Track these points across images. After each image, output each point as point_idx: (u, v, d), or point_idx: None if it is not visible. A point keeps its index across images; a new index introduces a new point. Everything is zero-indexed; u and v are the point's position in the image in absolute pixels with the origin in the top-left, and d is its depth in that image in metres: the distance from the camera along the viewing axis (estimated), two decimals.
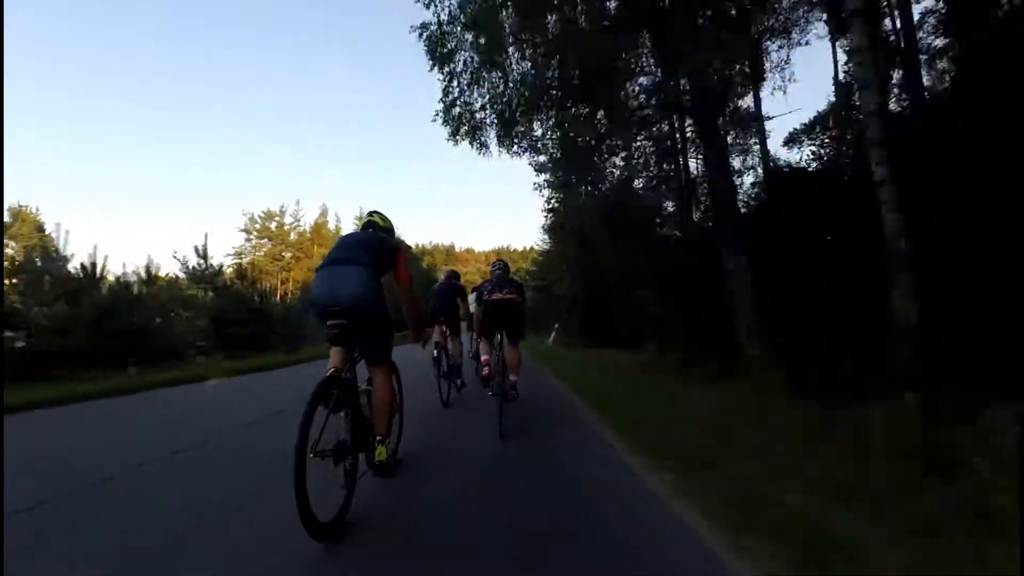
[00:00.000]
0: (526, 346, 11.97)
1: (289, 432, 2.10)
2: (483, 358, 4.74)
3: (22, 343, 10.32)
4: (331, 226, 38.90)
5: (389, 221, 3.31)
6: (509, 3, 6.95)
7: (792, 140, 10.12)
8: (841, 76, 9.05)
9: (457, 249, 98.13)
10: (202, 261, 17.68)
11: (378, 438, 2.74)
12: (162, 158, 65.39)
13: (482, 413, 4.70)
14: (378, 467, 2.78)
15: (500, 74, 7.58)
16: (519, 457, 3.58)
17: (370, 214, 3.29)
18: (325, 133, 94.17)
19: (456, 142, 8.10)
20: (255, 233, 36.85)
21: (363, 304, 2.60)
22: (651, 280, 10.63)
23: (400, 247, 3.11)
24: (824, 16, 9.00)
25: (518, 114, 7.72)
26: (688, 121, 9.57)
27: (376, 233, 3.10)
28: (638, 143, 10.54)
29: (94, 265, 13.67)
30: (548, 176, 11.31)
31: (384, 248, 2.93)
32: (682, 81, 7.38)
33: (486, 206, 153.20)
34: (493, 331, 4.58)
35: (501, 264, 5.13)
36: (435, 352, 5.60)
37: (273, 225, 37.40)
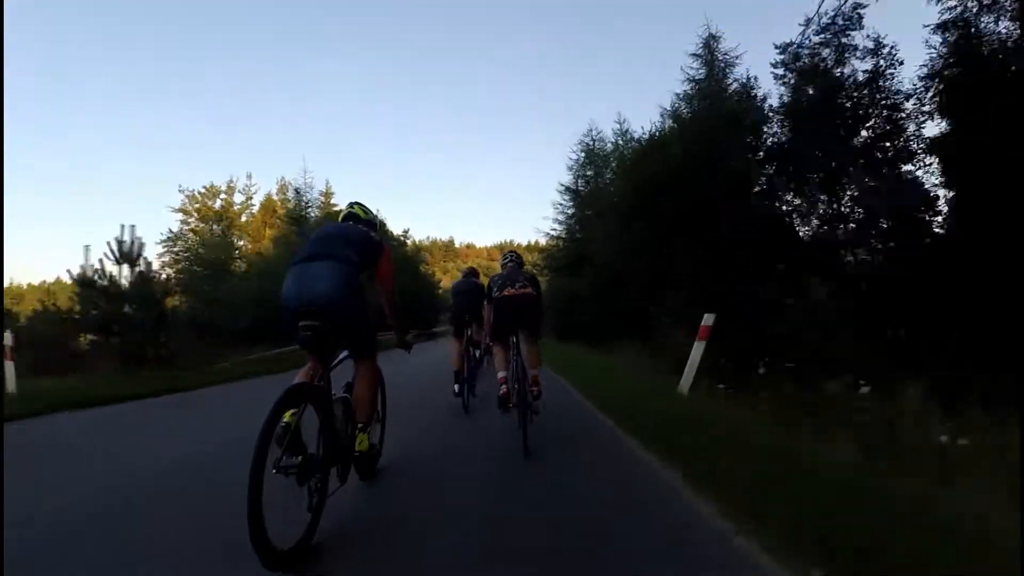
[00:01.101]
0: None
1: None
2: (500, 375, 3.96)
3: None
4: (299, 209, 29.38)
5: (372, 214, 3.07)
6: None
7: None
8: None
9: (457, 245, 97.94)
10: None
11: (359, 426, 2.57)
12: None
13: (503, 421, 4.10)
14: (357, 459, 2.57)
15: None
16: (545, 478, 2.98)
17: (351, 205, 3.03)
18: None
19: None
20: (194, 214, 28.67)
21: (341, 304, 2.33)
22: None
23: (384, 243, 2.82)
24: None
25: None
26: None
27: (357, 226, 2.82)
28: None
29: None
30: None
31: (366, 243, 2.67)
32: None
33: (487, 199, 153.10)
34: (509, 333, 3.96)
35: (513, 256, 4.55)
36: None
37: (219, 204, 29.79)
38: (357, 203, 3.03)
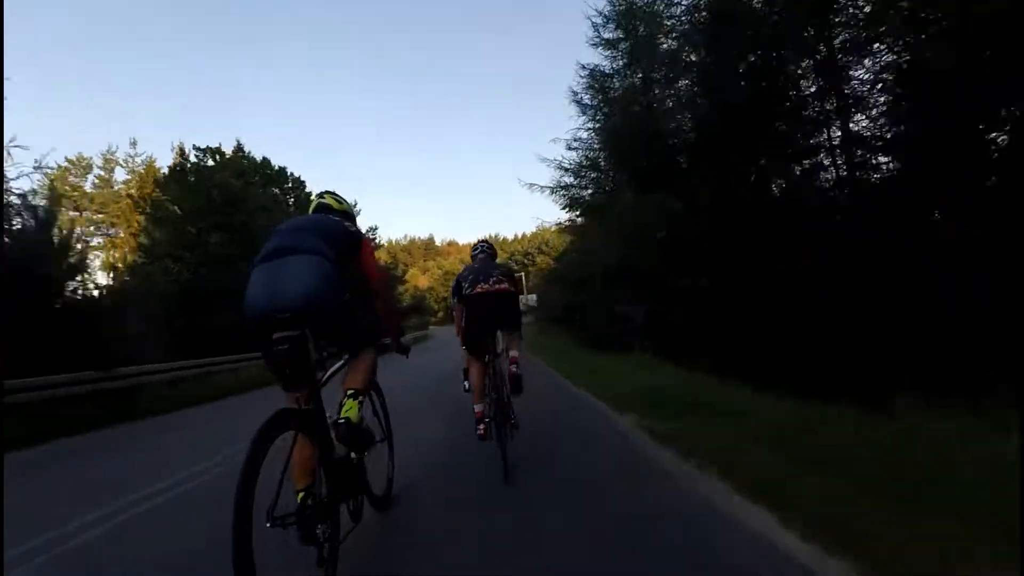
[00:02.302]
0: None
1: None
2: (476, 409, 3.35)
3: None
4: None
5: (347, 204, 2.59)
6: None
7: None
8: None
9: (437, 243, 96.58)
10: None
11: (349, 392, 2.13)
12: None
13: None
14: (346, 426, 2.04)
15: None
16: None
17: (321, 195, 2.55)
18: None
19: None
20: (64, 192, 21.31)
21: (326, 304, 1.90)
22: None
23: (364, 236, 2.38)
24: None
25: None
26: None
27: (330, 217, 2.36)
28: None
29: None
30: None
31: (342, 235, 2.22)
32: None
33: (467, 194, 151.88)
34: (485, 338, 3.36)
35: (485, 246, 3.85)
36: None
37: (89, 184, 23.38)
38: (329, 192, 2.58)
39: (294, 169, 33.03)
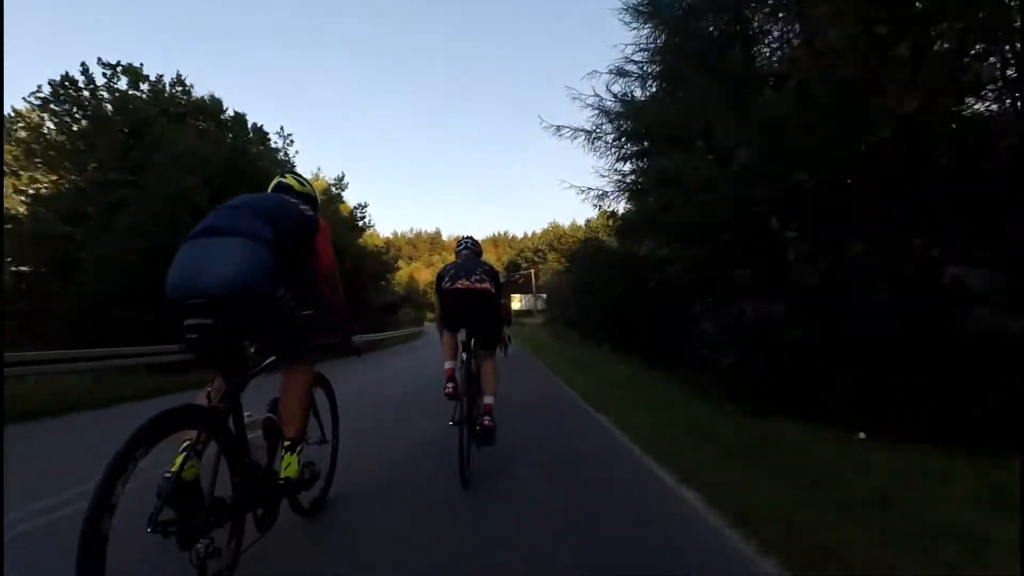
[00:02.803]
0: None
1: None
2: (447, 366, 3.47)
3: None
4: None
5: (310, 187, 2.46)
6: None
7: None
8: None
9: (444, 238, 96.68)
10: None
11: (286, 444, 2.02)
12: None
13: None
14: (283, 489, 1.99)
15: None
16: None
17: (282, 175, 2.41)
18: None
19: None
20: None
21: (247, 294, 1.72)
22: None
23: (321, 223, 2.18)
24: None
25: None
26: None
27: (283, 197, 2.17)
28: None
29: None
30: None
31: (295, 219, 2.05)
32: None
33: (477, 188, 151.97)
34: (457, 329, 3.43)
35: (469, 243, 3.82)
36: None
37: None
38: (291, 172, 2.47)
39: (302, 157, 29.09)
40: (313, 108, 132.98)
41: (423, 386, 7.60)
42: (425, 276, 72.89)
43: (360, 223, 26.52)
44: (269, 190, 2.36)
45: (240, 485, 1.74)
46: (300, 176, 2.45)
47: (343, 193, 26.64)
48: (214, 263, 1.71)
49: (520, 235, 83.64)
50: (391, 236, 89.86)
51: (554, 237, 70.00)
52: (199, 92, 17.12)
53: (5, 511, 2.30)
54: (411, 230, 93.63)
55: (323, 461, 2.56)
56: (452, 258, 3.78)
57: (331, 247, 2.19)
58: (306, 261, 2.08)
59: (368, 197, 37.46)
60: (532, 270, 57.87)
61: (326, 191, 24.69)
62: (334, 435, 2.73)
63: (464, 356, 3.21)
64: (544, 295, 46.49)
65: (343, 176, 26.65)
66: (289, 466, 1.99)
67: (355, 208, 26.73)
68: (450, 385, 3.38)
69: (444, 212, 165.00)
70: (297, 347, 2.08)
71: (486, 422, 3.18)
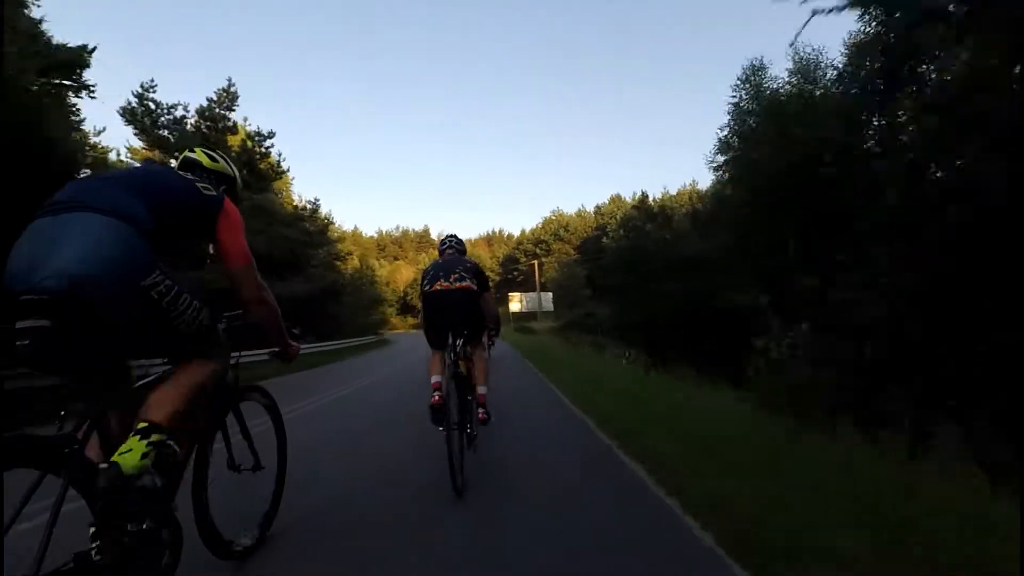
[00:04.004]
0: None
1: None
2: (433, 380, 3.25)
3: None
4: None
5: (225, 164, 2.00)
6: None
7: None
8: None
9: (433, 236, 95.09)
10: None
11: (141, 425, 1.40)
12: None
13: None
14: (109, 475, 1.30)
15: None
16: None
17: (192, 149, 1.96)
18: None
19: None
20: None
21: (103, 284, 1.29)
22: None
23: (227, 206, 1.71)
24: None
25: None
26: None
27: (177, 172, 1.74)
28: None
29: None
30: None
31: (183, 197, 1.61)
32: None
33: (467, 184, 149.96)
34: (444, 336, 3.19)
35: (453, 241, 3.70)
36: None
37: None
38: (206, 149, 2.00)
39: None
40: (285, 96, 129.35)
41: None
42: (408, 274, 71.42)
43: (264, 165, 19.06)
44: (177, 167, 1.91)
45: (111, 541, 1.27)
46: (214, 151, 2.01)
47: (265, 151, 19.33)
48: (57, 247, 1.29)
49: (517, 232, 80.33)
50: (375, 235, 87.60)
51: (559, 226, 64.27)
52: None
53: None
54: (397, 228, 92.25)
55: (260, 493, 2.23)
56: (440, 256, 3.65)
57: (242, 237, 1.72)
58: (213, 251, 1.69)
59: (353, 194, 32.05)
60: (535, 263, 51.42)
61: (242, 143, 18.79)
62: (280, 458, 2.36)
63: (452, 356, 3.06)
64: (551, 293, 41.60)
65: (272, 132, 19.90)
66: (129, 452, 1.34)
67: (252, 137, 18.76)
68: (437, 395, 3.13)
69: (432, 209, 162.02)
70: (191, 346, 1.59)
71: (480, 415, 3.22)
